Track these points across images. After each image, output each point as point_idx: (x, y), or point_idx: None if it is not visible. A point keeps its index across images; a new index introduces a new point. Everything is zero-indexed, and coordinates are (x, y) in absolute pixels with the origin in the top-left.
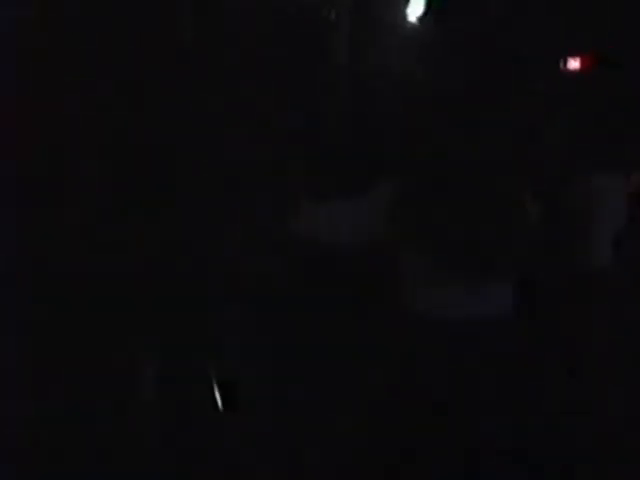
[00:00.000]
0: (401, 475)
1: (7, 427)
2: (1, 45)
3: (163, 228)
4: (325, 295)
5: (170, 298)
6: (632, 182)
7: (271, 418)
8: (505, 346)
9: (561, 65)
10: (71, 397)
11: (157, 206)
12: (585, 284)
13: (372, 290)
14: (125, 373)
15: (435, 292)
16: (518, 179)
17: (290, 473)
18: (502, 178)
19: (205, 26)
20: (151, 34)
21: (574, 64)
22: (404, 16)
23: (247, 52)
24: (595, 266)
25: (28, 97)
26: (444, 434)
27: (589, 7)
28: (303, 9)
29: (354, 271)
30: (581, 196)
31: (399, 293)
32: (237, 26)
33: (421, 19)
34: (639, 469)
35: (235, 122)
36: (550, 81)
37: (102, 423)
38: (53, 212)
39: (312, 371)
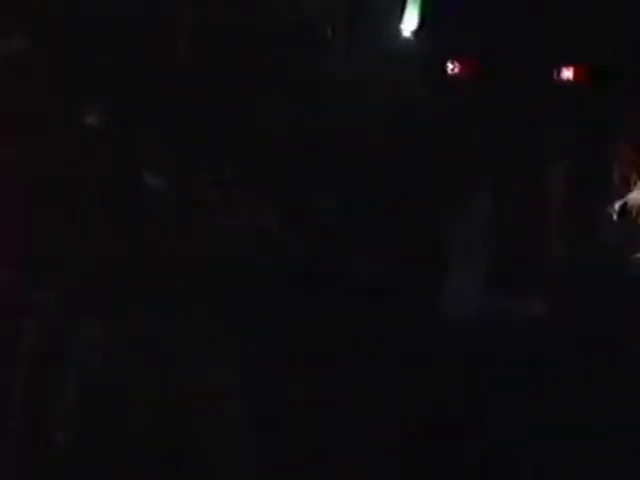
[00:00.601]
0: None
1: None
2: None
3: None
4: None
5: None
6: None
7: None
8: None
9: (554, 75)
10: None
11: None
12: None
13: None
14: None
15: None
16: None
17: None
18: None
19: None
20: None
21: (567, 74)
22: (398, 31)
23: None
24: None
25: None
26: None
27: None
28: (300, 26)
29: None
30: None
31: None
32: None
33: (415, 33)
34: None
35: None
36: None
37: None
38: None
39: None
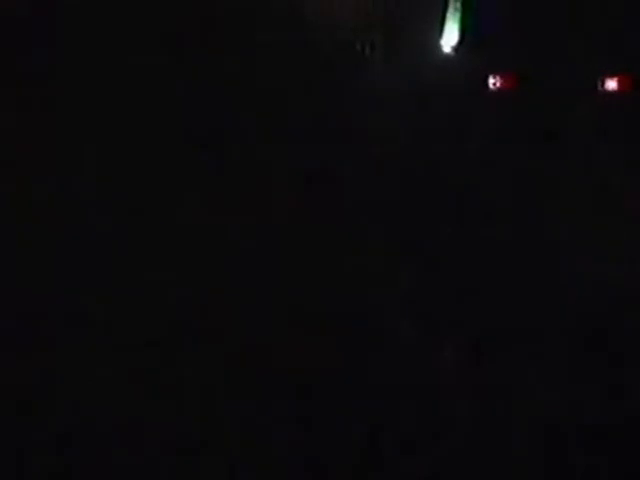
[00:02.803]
0: None
1: None
2: None
3: None
4: None
5: None
6: None
7: None
8: None
9: (599, 86)
10: None
11: None
12: None
13: None
14: None
15: None
16: None
17: None
18: None
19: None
20: None
21: (612, 84)
22: (439, 46)
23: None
24: None
25: None
26: None
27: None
28: (338, 44)
29: None
30: None
31: None
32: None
33: (456, 49)
34: None
35: None
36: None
37: None
38: None
39: None
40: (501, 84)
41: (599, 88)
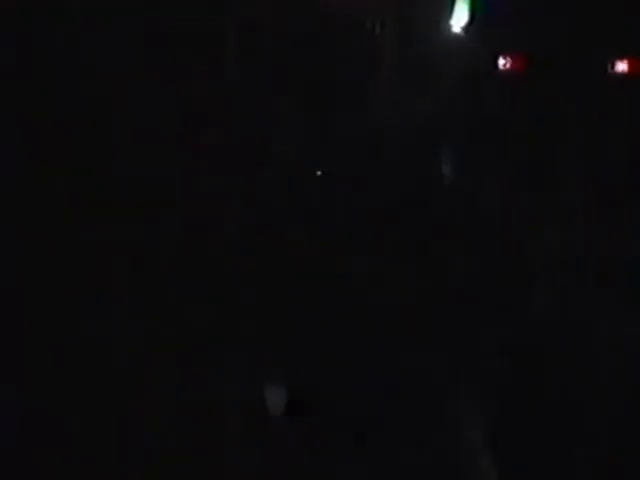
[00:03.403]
0: None
1: None
2: None
3: None
4: None
5: None
6: None
7: None
8: None
9: (609, 68)
10: None
11: None
12: None
13: None
14: None
15: None
16: None
17: None
18: None
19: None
20: None
21: (622, 67)
22: (449, 26)
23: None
24: None
25: None
26: None
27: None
28: (349, 23)
29: None
30: None
31: None
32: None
33: (465, 29)
34: None
35: None
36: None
37: None
38: None
39: None
40: (511, 65)
41: (609, 70)
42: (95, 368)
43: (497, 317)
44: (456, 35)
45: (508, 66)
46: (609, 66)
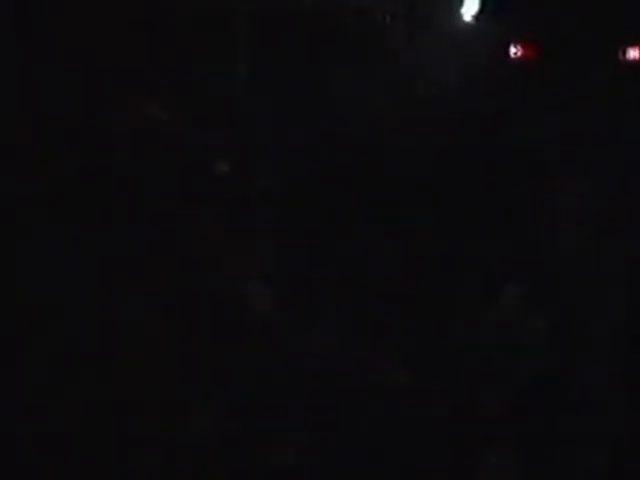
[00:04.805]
0: None
1: None
2: None
3: None
4: None
5: None
6: None
7: None
8: None
9: (620, 55)
10: None
11: None
12: None
13: None
14: None
15: None
16: None
17: None
18: None
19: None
20: None
21: (633, 54)
22: (460, 15)
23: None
24: None
25: None
26: None
27: None
28: (359, 12)
29: None
30: None
31: None
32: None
33: (476, 17)
34: None
35: None
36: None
37: None
38: None
39: None
40: (522, 53)
41: (620, 57)
42: (97, 368)
43: None
44: (467, 24)
45: (519, 54)
46: (620, 53)
